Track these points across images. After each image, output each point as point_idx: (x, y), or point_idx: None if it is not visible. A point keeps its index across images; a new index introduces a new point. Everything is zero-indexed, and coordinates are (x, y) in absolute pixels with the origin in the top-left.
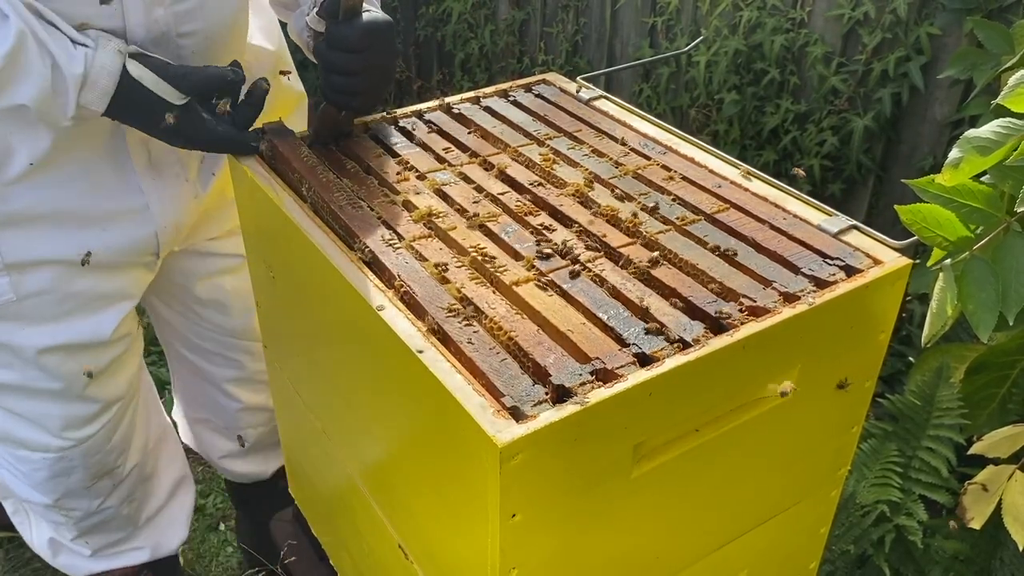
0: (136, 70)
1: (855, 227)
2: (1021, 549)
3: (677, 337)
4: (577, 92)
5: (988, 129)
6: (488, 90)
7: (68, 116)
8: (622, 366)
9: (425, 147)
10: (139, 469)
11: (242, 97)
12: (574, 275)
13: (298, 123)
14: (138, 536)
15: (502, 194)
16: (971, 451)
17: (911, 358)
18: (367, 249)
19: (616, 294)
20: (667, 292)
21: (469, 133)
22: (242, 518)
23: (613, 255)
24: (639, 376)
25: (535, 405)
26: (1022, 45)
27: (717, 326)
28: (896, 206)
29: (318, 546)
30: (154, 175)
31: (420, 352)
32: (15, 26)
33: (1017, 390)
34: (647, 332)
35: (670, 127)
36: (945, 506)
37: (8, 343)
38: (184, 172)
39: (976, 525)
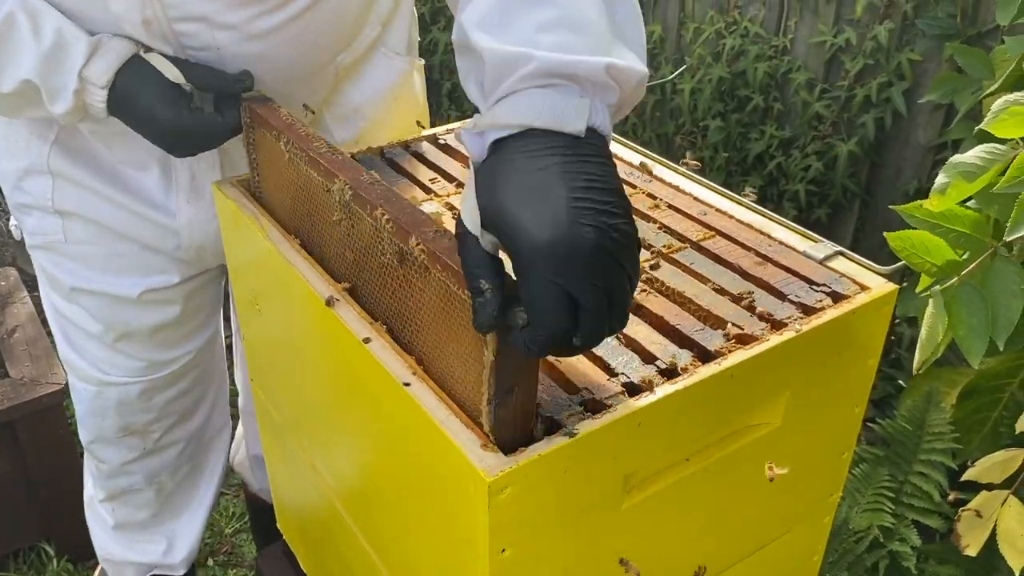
0: (147, 56)
1: (841, 253)
2: (1016, 575)
3: (665, 366)
4: None
5: (973, 155)
6: None
7: (70, 89)
8: (611, 396)
9: (411, 177)
10: (177, 452)
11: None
12: None
13: None
14: (159, 529)
15: None
16: (964, 477)
17: (901, 381)
18: (347, 188)
19: None
20: (654, 320)
21: (455, 163)
22: None
23: None
24: (628, 406)
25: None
26: (1002, 70)
27: (705, 354)
28: (885, 233)
29: None
30: (191, 197)
31: (407, 385)
32: (6, 7)
33: (1008, 414)
34: (635, 361)
35: (655, 155)
36: (938, 531)
37: (54, 274)
38: None
39: (972, 552)
